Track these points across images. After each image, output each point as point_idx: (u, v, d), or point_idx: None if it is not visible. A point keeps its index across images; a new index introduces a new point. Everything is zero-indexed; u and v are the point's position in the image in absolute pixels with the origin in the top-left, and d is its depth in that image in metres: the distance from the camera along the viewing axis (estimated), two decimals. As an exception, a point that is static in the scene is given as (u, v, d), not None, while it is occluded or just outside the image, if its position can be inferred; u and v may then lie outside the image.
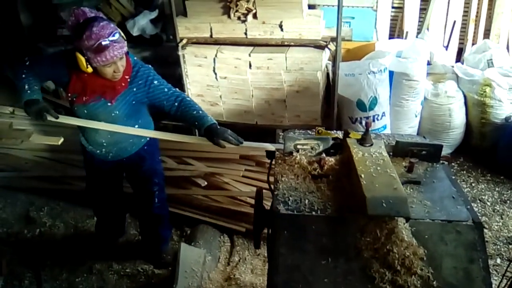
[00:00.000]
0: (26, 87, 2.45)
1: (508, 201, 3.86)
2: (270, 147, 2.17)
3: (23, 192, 4.05)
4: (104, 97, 2.49)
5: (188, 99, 2.59)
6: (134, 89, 2.52)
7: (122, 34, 2.37)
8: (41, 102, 2.46)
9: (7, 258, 3.34)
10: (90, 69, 2.35)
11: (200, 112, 2.51)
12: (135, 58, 2.63)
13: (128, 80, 2.49)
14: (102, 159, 2.81)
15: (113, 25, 2.33)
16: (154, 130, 2.77)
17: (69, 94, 2.52)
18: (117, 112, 2.53)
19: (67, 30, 2.43)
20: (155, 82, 2.56)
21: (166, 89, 2.57)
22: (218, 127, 2.42)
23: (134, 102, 2.56)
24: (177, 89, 2.64)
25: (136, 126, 2.62)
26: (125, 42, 2.37)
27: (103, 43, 2.24)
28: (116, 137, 2.65)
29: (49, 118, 2.41)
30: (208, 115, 2.51)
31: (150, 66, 2.67)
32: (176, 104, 2.54)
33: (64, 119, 2.51)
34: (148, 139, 2.83)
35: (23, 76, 2.47)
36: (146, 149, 2.85)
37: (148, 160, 2.89)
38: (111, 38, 2.26)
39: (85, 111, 2.55)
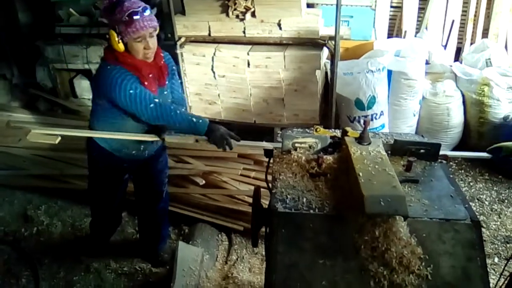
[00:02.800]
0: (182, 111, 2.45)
1: (506, 201, 3.86)
2: (268, 146, 2.16)
3: (20, 190, 4.04)
4: (157, 80, 2.49)
5: (182, 109, 2.55)
6: (170, 76, 2.61)
7: (153, 12, 2.41)
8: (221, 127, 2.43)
9: (4, 256, 3.34)
10: (121, 46, 2.33)
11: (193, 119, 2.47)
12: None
13: (163, 59, 2.52)
14: (130, 158, 2.73)
15: (144, 3, 2.36)
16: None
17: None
18: (171, 98, 2.60)
19: (102, 16, 2.44)
20: (176, 76, 2.67)
21: (180, 89, 2.68)
22: (214, 130, 2.38)
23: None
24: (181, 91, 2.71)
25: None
26: (157, 21, 2.38)
27: (134, 16, 2.26)
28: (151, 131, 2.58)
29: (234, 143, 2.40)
30: (197, 118, 2.45)
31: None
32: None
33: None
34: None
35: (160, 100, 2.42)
36: (161, 148, 2.86)
37: (162, 160, 2.91)
38: (141, 11, 2.29)
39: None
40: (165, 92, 2.56)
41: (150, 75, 2.43)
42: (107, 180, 2.92)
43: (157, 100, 2.36)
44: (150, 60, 2.43)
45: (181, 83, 4.12)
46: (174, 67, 2.65)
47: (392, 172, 1.68)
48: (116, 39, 2.31)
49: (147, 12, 2.31)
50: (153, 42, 2.39)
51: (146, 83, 2.39)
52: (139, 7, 2.29)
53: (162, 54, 2.54)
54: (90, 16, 4.77)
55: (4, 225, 3.71)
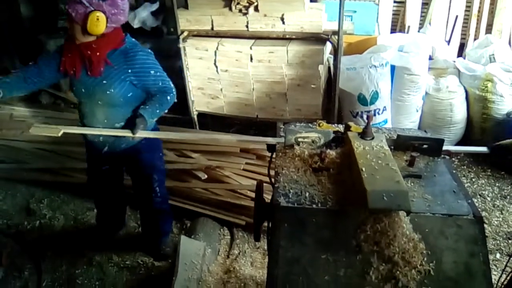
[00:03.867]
0: (8, 79, 2.57)
1: (508, 197, 3.86)
2: (271, 140, 2.16)
3: (23, 183, 4.06)
4: (87, 69, 2.51)
5: (167, 98, 2.61)
6: (129, 71, 2.52)
7: (103, 14, 2.37)
8: None
9: (7, 249, 3.34)
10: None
11: (156, 105, 2.56)
12: (133, 40, 2.64)
13: (101, 56, 2.49)
14: (100, 148, 2.80)
15: (122, 3, 2.44)
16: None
17: (61, 69, 2.57)
18: (112, 91, 2.53)
19: None
20: (152, 71, 2.58)
21: (160, 83, 2.60)
22: (138, 118, 2.47)
23: (129, 83, 2.55)
24: (171, 85, 2.67)
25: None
26: (89, 8, 2.37)
27: None
28: (111, 122, 2.63)
29: None
30: (154, 112, 2.55)
31: (150, 51, 2.67)
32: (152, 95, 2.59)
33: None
34: None
35: (17, 70, 2.59)
36: (143, 143, 2.82)
37: (146, 155, 2.87)
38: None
39: (83, 90, 2.58)
40: (104, 82, 2.52)
41: (69, 55, 2.52)
42: (94, 169, 3.02)
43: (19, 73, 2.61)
44: (77, 41, 2.47)
45: (184, 77, 4.14)
46: (145, 65, 2.57)
47: (395, 167, 1.68)
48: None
49: (92, 3, 2.35)
50: (74, 29, 2.43)
51: (63, 58, 2.54)
52: None
53: (131, 50, 2.55)
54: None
55: (7, 218, 3.72)
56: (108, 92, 2.53)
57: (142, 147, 2.83)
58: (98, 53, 2.47)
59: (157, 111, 2.56)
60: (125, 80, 2.53)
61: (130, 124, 2.49)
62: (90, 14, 2.35)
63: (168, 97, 2.61)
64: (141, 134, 2.51)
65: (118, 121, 2.62)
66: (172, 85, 2.67)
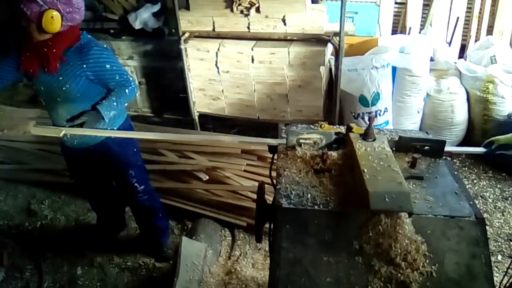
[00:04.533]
0: None
1: (509, 198, 3.86)
2: (273, 142, 2.16)
3: (24, 184, 4.06)
4: (42, 65, 2.52)
5: (125, 91, 2.59)
6: (84, 66, 2.51)
7: (57, 13, 2.40)
8: None
9: (8, 250, 3.35)
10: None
11: (113, 98, 2.55)
12: (89, 36, 2.64)
13: (57, 53, 2.49)
14: (70, 147, 2.82)
15: (77, 1, 2.46)
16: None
17: (21, 68, 2.57)
18: (68, 87, 2.53)
19: None
20: (107, 66, 2.56)
21: (117, 76, 2.59)
22: (92, 111, 2.50)
23: (84, 78, 2.54)
24: (130, 78, 2.65)
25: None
26: (36, 12, 2.39)
27: None
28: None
29: None
30: (109, 104, 2.53)
31: (106, 47, 2.71)
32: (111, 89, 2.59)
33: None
34: (115, 128, 2.79)
35: None
36: (113, 138, 2.80)
37: (119, 151, 2.84)
38: None
39: (42, 88, 2.60)
40: (60, 78, 2.52)
41: (28, 54, 2.53)
42: (72, 169, 3.07)
43: None
44: (34, 40, 2.49)
45: (185, 78, 4.14)
46: (100, 59, 2.56)
47: (397, 168, 1.68)
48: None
49: (46, 2, 2.36)
50: (34, 30, 2.44)
51: (22, 58, 2.54)
52: None
53: (86, 45, 2.55)
54: (94, 11, 4.77)
55: (8, 219, 3.73)
56: (64, 89, 2.53)
57: (112, 143, 2.81)
58: (54, 50, 2.48)
59: (114, 104, 2.54)
60: (80, 76, 2.53)
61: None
62: (44, 13, 2.37)
63: (127, 90, 2.60)
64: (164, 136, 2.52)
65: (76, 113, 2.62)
66: (131, 78, 2.66)
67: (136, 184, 2.97)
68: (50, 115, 2.74)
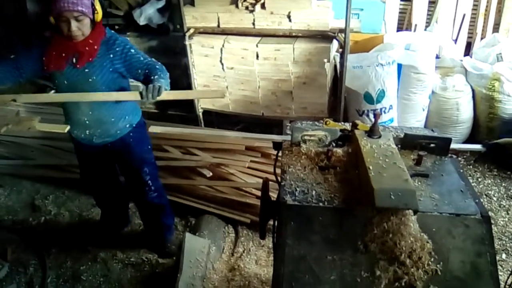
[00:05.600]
0: None
1: (514, 197, 3.85)
2: (277, 138, 2.15)
3: (28, 180, 4.07)
4: (72, 61, 2.52)
5: (158, 66, 2.57)
6: (111, 56, 2.55)
7: (92, 2, 2.43)
8: None
9: (12, 245, 3.36)
10: (52, 20, 2.45)
11: (161, 74, 2.50)
12: (112, 31, 2.67)
13: (96, 46, 2.52)
14: (87, 144, 2.82)
15: None
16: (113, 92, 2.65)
17: (45, 67, 2.57)
18: (95, 78, 2.54)
19: None
20: (132, 50, 2.60)
21: (142, 58, 2.60)
22: (154, 84, 2.38)
23: (111, 70, 2.57)
24: (153, 59, 2.64)
25: (120, 104, 2.65)
26: (89, 8, 2.41)
27: None
28: (97, 113, 2.65)
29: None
30: (165, 79, 2.49)
31: (127, 38, 2.74)
32: (146, 71, 2.56)
33: (25, 98, 2.61)
34: (133, 124, 2.82)
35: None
36: (132, 135, 2.83)
37: (135, 148, 2.87)
38: None
39: (65, 82, 2.59)
40: (86, 70, 2.53)
41: (55, 52, 2.52)
42: (87, 166, 3.07)
43: None
44: (77, 40, 2.48)
45: (189, 74, 4.14)
46: (127, 46, 2.60)
47: (403, 166, 1.67)
48: (52, 19, 2.43)
49: None
50: (79, 26, 2.43)
51: (46, 57, 2.54)
52: None
53: (111, 37, 2.58)
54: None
55: (12, 214, 3.74)
56: (90, 80, 2.55)
57: (130, 140, 2.84)
58: (93, 44, 2.51)
59: (167, 75, 2.54)
60: (107, 67, 2.56)
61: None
62: (94, 3, 2.43)
63: (157, 66, 2.58)
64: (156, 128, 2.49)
65: (103, 113, 2.65)
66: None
67: (149, 181, 2.99)
68: (67, 111, 2.73)
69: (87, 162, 3.02)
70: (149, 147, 3.00)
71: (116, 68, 2.58)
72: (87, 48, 2.50)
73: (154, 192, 3.04)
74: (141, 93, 2.36)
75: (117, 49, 2.56)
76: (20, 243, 3.42)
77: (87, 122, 2.69)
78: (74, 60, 2.52)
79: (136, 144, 2.87)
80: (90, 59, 2.51)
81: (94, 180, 3.14)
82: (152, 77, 2.45)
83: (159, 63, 2.61)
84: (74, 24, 2.41)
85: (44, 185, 4.02)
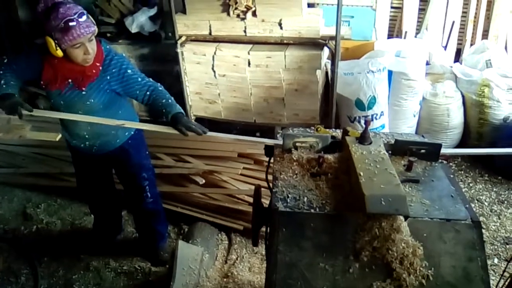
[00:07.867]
0: (2, 82, 2.46)
1: (505, 202, 3.86)
2: (269, 142, 2.16)
3: (20, 188, 4.04)
4: (74, 84, 2.48)
5: (160, 88, 2.57)
6: (108, 77, 2.51)
7: (91, 17, 2.38)
8: (16, 97, 2.46)
9: (3, 254, 3.34)
10: (60, 53, 2.34)
11: (170, 100, 2.50)
12: (108, 46, 2.60)
13: (100, 67, 2.48)
14: (87, 152, 2.81)
15: (81, 7, 2.35)
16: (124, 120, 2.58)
17: (42, 82, 2.52)
18: (92, 101, 2.52)
19: (38, 17, 2.41)
20: (129, 71, 2.55)
21: (139, 79, 2.56)
22: (184, 117, 2.41)
23: (108, 91, 2.54)
24: (151, 79, 2.63)
25: (117, 117, 2.56)
26: (94, 25, 2.38)
27: (70, 22, 2.25)
28: (96, 128, 2.64)
29: (24, 112, 2.40)
30: (176, 104, 2.49)
31: (123, 55, 2.68)
32: (148, 93, 2.54)
33: (39, 113, 2.54)
34: (132, 132, 2.82)
35: (0, 72, 2.49)
36: (130, 142, 2.83)
37: (134, 155, 2.87)
38: (77, 18, 2.27)
39: (62, 102, 2.55)
40: (83, 93, 2.50)
41: (53, 72, 2.46)
42: (84, 174, 3.05)
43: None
44: (88, 64, 2.43)
45: (181, 82, 4.14)
46: (123, 66, 2.54)
47: (393, 171, 1.68)
48: (54, 46, 2.31)
49: (83, 18, 2.30)
50: (92, 47, 2.39)
51: (48, 76, 2.47)
52: (75, 13, 2.27)
53: (107, 57, 2.52)
54: (91, 15, 4.76)
55: (3, 223, 3.71)
56: (88, 103, 2.53)
57: (129, 146, 2.84)
58: (98, 64, 2.47)
59: (169, 100, 2.52)
60: (104, 89, 2.53)
61: (174, 123, 2.38)
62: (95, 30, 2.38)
63: (160, 88, 2.58)
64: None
65: (102, 127, 2.61)
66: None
67: (147, 187, 2.99)
68: (65, 125, 2.71)
69: (85, 169, 3.01)
70: (147, 153, 3.01)
71: (114, 89, 2.55)
72: (94, 71, 2.47)
73: (151, 198, 3.05)
74: (180, 130, 2.33)
75: (113, 70, 2.51)
76: (12, 252, 3.39)
77: (87, 136, 2.69)
78: (76, 82, 2.48)
79: (135, 150, 2.87)
80: (92, 80, 2.48)
81: (90, 186, 3.12)
82: (166, 104, 2.46)
83: (158, 83, 2.60)
84: (90, 47, 2.37)
85: (35, 194, 4.00)
